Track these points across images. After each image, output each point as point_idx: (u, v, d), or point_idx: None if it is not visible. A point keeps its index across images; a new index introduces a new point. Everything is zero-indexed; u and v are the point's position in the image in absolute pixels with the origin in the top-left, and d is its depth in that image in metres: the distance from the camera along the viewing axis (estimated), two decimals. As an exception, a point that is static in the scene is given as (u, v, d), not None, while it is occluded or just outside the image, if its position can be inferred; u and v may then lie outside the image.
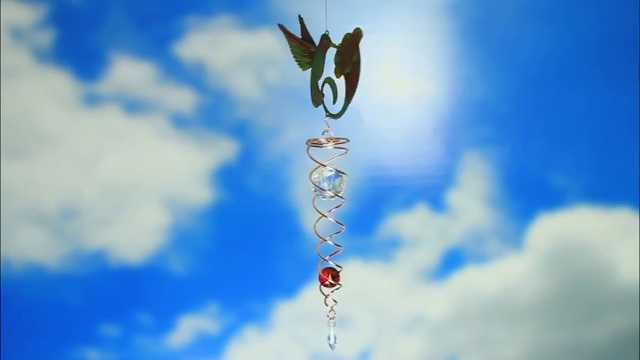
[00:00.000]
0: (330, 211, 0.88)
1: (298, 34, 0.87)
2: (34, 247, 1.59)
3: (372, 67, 1.62)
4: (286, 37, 0.87)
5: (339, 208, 0.88)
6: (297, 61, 0.88)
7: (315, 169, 0.87)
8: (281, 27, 0.87)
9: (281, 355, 1.65)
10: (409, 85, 1.65)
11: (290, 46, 0.87)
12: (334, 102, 0.86)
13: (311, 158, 0.86)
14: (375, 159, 1.64)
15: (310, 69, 0.87)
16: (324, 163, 0.87)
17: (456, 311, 1.67)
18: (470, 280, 1.66)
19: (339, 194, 0.88)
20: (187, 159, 1.62)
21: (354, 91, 0.83)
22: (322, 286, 0.89)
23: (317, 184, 0.87)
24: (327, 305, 0.89)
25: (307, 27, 0.87)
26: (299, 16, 0.87)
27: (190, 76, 1.61)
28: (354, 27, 0.81)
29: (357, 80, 0.83)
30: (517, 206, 1.66)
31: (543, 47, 1.65)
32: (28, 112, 1.59)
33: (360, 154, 1.61)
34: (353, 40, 0.81)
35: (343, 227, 0.88)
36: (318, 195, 0.88)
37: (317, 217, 0.88)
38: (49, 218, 1.59)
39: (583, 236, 1.68)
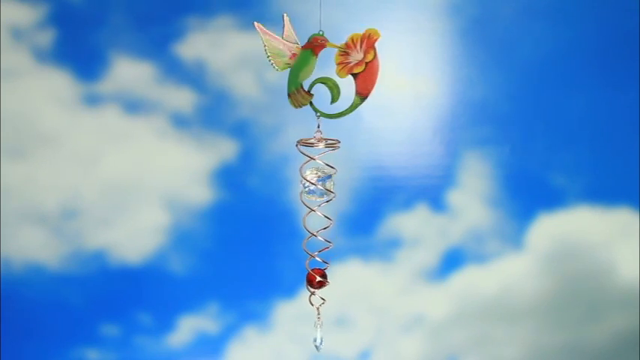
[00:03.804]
0: (319, 205, 0.88)
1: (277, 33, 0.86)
2: (34, 247, 1.59)
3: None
4: (263, 36, 0.86)
5: (330, 202, 0.88)
6: (272, 61, 0.87)
7: (306, 162, 0.88)
8: (257, 26, 0.85)
9: (281, 355, 1.65)
10: (409, 85, 1.65)
11: (265, 46, 0.86)
12: (335, 101, 0.86)
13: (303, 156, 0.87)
14: (375, 159, 1.64)
15: (290, 69, 0.86)
16: (316, 163, 0.87)
17: (456, 311, 1.67)
18: (470, 280, 1.66)
19: (328, 190, 0.88)
20: (187, 159, 1.62)
21: (369, 90, 0.84)
22: (311, 293, 0.89)
23: (307, 179, 0.87)
24: (318, 314, 0.89)
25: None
26: (284, 14, 0.86)
27: (190, 76, 1.61)
28: (366, 27, 0.82)
29: (375, 79, 0.83)
30: (517, 206, 1.66)
31: (543, 47, 1.65)
32: (28, 112, 1.58)
33: (360, 154, 1.61)
34: (369, 41, 0.82)
35: (332, 222, 0.88)
36: (306, 193, 0.88)
37: (306, 212, 0.88)
38: (49, 218, 1.59)
39: (583, 236, 1.68)
